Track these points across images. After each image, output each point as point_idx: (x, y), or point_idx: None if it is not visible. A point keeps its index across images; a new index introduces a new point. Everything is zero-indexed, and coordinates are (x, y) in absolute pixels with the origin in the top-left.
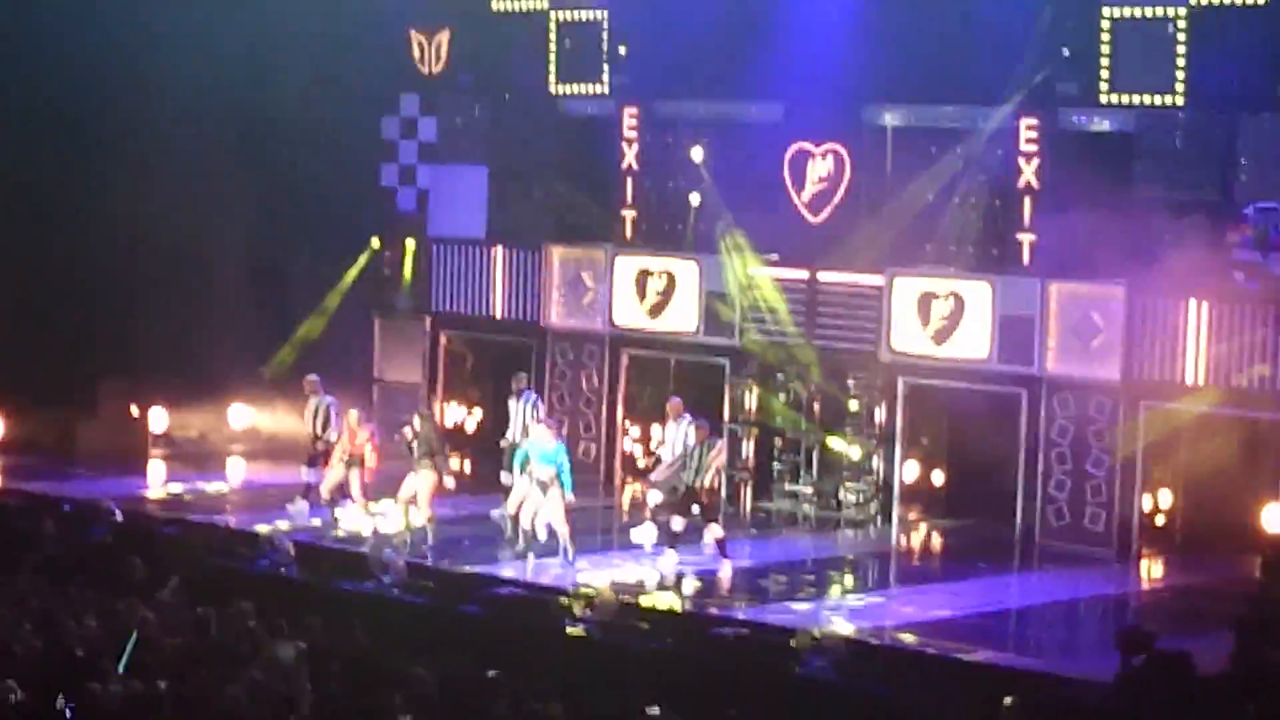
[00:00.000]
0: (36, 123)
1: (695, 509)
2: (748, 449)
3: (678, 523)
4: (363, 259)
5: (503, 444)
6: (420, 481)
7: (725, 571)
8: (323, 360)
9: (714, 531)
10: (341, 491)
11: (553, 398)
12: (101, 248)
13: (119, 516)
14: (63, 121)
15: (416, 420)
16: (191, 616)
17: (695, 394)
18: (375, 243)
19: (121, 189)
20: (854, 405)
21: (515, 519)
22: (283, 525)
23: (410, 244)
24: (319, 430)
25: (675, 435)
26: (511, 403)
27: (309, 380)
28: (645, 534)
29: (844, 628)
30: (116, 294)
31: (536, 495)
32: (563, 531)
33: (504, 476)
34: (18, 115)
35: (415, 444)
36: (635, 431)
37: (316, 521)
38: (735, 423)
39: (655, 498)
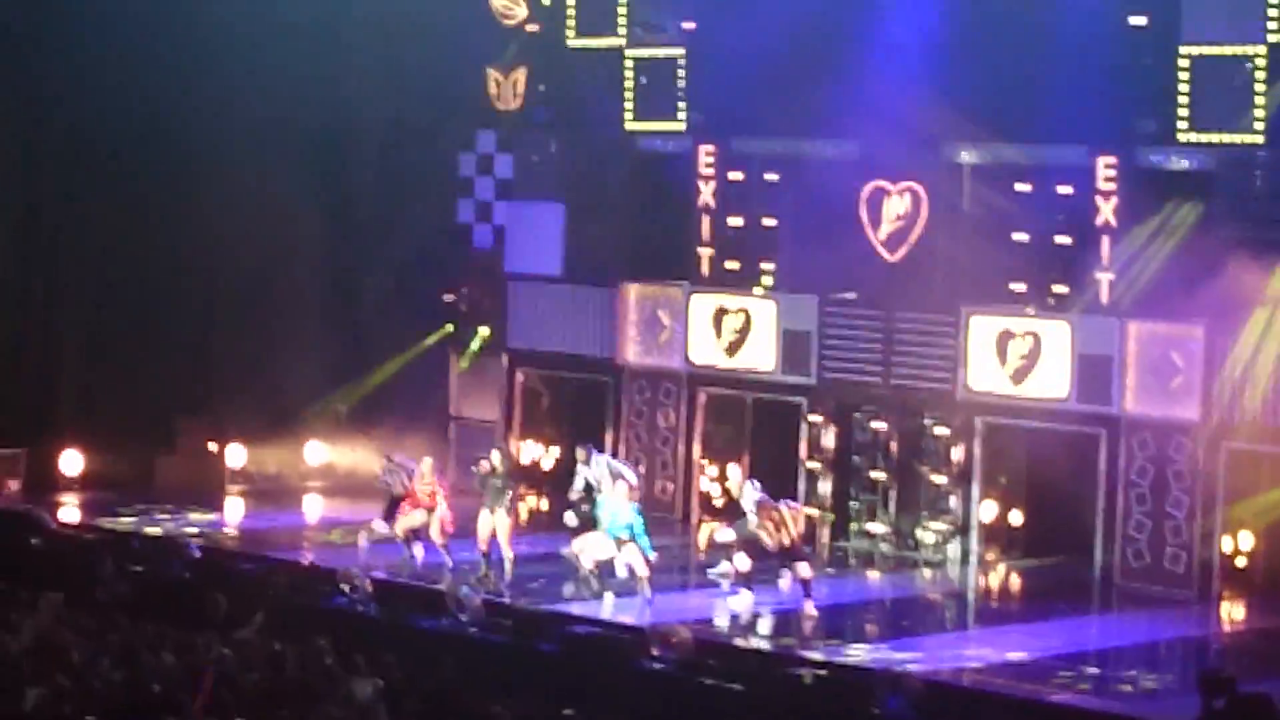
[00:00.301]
0: (114, 162)
1: (783, 559)
2: (825, 488)
3: (743, 561)
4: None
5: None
6: (498, 520)
7: (810, 611)
8: (400, 397)
9: (801, 571)
10: (416, 534)
11: (629, 435)
12: (180, 285)
13: (197, 553)
14: (140, 159)
15: (495, 455)
16: (269, 653)
17: (773, 432)
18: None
19: (199, 226)
20: (931, 444)
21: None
22: (359, 563)
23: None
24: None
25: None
26: (581, 468)
27: (389, 461)
28: (724, 572)
29: (923, 669)
30: (194, 331)
31: (610, 547)
32: (643, 572)
33: (568, 517)
34: (97, 152)
35: (492, 480)
36: (712, 470)
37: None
38: (812, 460)
39: (726, 535)
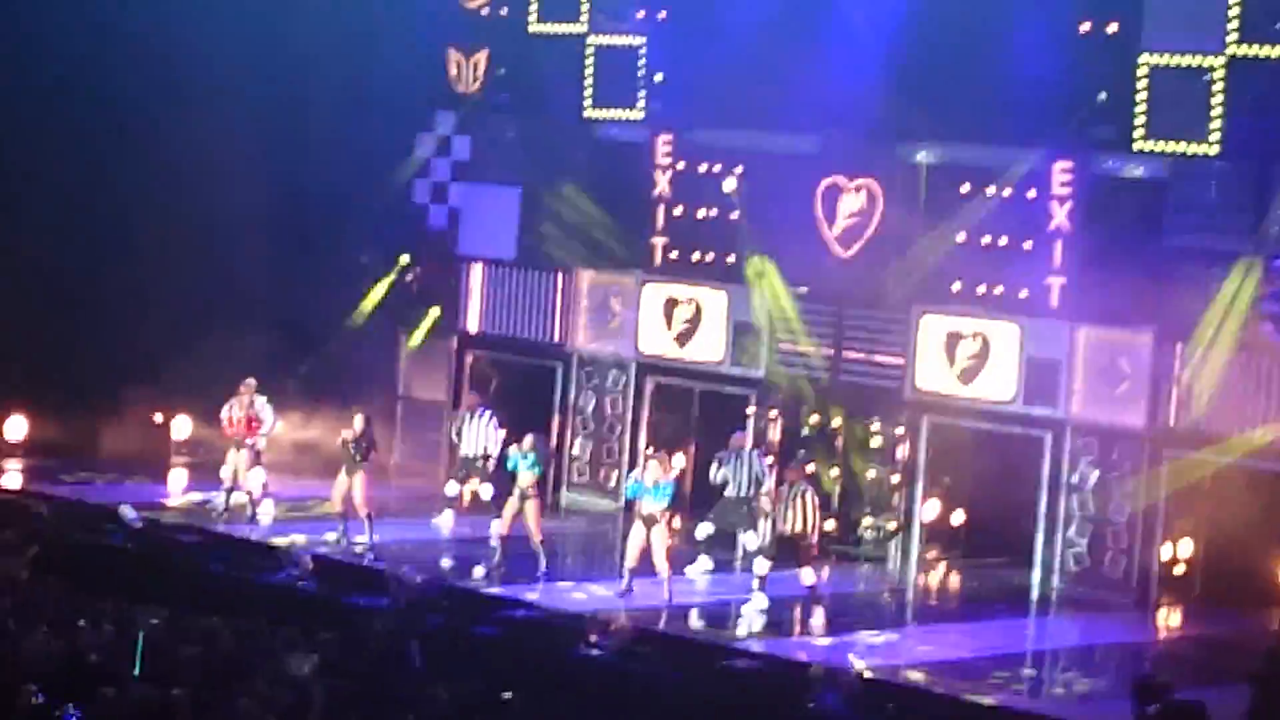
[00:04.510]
0: (60, 128)
1: (791, 552)
2: (770, 482)
3: (762, 565)
4: (391, 275)
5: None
6: (355, 482)
7: (817, 618)
8: (348, 375)
9: (808, 575)
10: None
11: (576, 421)
12: (130, 254)
13: (139, 524)
14: (92, 132)
15: (358, 421)
16: (206, 625)
17: (720, 425)
18: (404, 259)
19: (149, 194)
20: (877, 442)
21: (504, 538)
22: (300, 538)
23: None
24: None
25: (736, 469)
26: (469, 416)
27: (248, 383)
28: (699, 569)
29: (859, 664)
30: (143, 301)
31: (640, 531)
32: (663, 569)
33: (449, 488)
34: (43, 118)
35: (354, 445)
36: None
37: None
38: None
39: (706, 530)
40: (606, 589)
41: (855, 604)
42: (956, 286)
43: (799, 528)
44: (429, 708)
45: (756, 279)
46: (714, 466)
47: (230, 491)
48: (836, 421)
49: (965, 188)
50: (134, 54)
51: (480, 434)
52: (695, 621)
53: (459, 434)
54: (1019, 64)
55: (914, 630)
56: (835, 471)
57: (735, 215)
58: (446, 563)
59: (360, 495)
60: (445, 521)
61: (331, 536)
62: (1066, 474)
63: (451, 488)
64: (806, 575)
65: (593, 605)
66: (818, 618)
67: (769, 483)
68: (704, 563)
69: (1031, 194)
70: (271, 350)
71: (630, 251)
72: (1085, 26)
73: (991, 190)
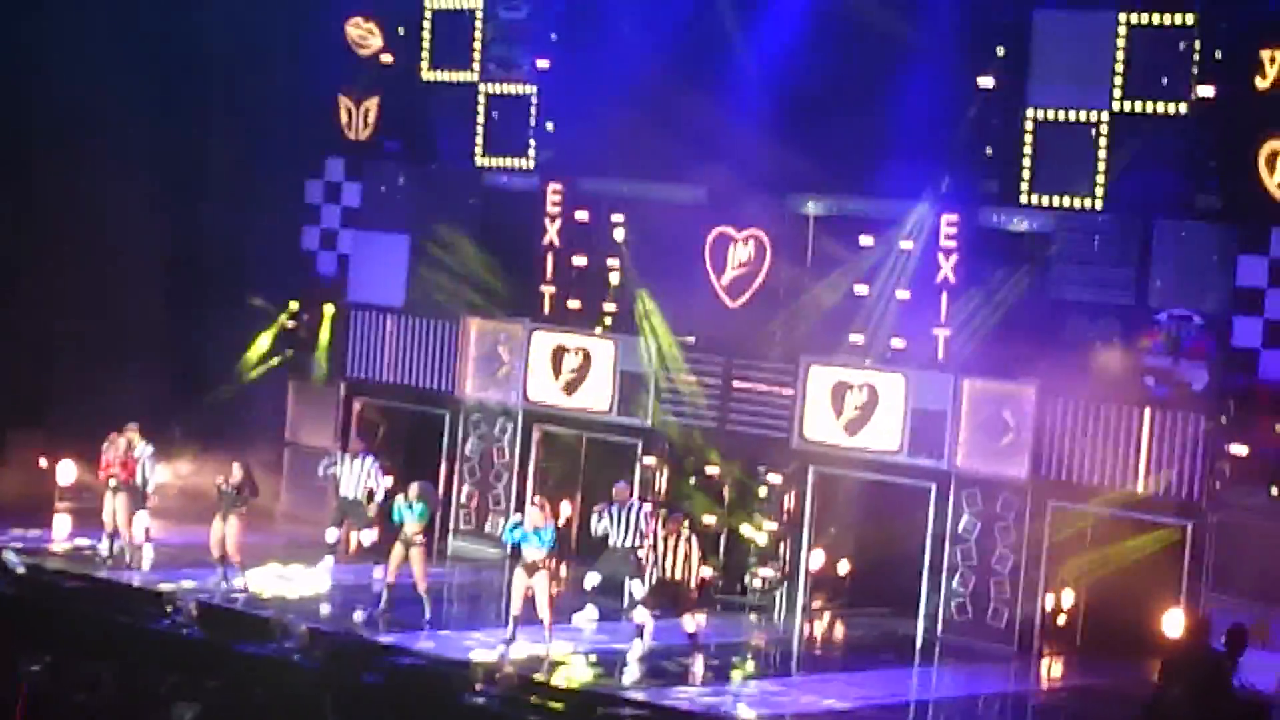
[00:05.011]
0: None
1: (672, 601)
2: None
3: (641, 614)
4: (279, 321)
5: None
6: (229, 529)
7: (698, 666)
8: (235, 420)
9: (689, 623)
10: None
11: (463, 469)
12: (17, 298)
13: (21, 570)
14: None
15: (236, 469)
16: (90, 672)
17: (606, 474)
18: (293, 306)
19: (38, 237)
20: (763, 491)
21: (390, 585)
22: (187, 584)
23: (328, 309)
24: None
25: (618, 520)
26: (350, 460)
27: (129, 427)
28: (586, 617)
29: (745, 715)
30: (30, 345)
31: (523, 578)
32: (545, 616)
33: (329, 534)
34: None
35: (230, 492)
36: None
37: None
38: (644, 503)
39: (593, 580)
40: (492, 636)
41: (740, 653)
42: (844, 337)
43: (680, 575)
44: None
45: (642, 319)
46: (595, 518)
47: (114, 537)
48: (723, 471)
49: (852, 239)
50: (24, 97)
51: (360, 477)
52: (580, 669)
53: (332, 472)
54: (906, 117)
55: (799, 679)
56: (721, 520)
57: (624, 264)
58: (325, 609)
59: (234, 542)
60: (325, 569)
61: (212, 583)
62: (950, 524)
63: (330, 534)
64: (688, 623)
65: (478, 653)
66: (699, 665)
67: (649, 535)
68: (591, 611)
69: (917, 246)
70: (161, 395)
71: (519, 300)
72: (972, 81)
73: (878, 242)
